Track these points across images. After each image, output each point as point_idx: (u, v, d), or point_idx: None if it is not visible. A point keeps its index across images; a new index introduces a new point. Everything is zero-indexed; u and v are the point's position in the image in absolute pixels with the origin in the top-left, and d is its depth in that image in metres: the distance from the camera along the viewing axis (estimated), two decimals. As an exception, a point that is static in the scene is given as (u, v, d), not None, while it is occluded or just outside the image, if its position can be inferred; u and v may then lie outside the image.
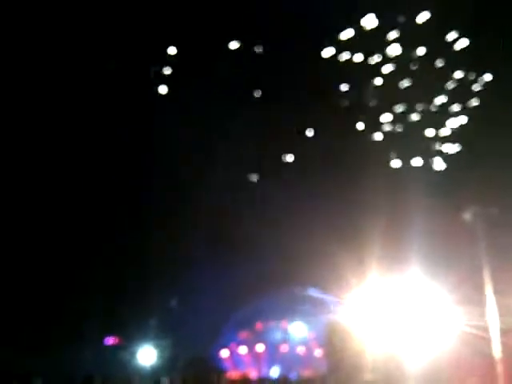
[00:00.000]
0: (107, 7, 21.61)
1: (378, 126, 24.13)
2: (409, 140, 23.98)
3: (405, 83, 23.43)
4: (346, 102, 24.06)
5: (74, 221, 23.53)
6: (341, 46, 23.41)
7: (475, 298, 19.87)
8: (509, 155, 20.72)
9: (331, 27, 22.88)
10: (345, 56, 23.55)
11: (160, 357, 24.88)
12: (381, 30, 23.07)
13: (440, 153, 23.62)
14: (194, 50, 23.32)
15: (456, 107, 23.47)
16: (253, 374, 25.45)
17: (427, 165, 23.58)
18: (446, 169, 23.48)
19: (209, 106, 22.92)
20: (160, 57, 23.69)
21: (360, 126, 24.16)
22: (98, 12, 21.66)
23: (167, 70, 23.88)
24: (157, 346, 24.98)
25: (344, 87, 24.06)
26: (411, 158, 23.83)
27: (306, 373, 24.64)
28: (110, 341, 25.14)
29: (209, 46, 23.13)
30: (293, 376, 24.87)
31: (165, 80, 23.82)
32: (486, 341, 19.27)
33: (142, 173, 23.83)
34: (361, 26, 23.06)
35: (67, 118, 22.76)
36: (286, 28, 22.12)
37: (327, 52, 23.52)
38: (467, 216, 20.96)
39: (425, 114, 23.59)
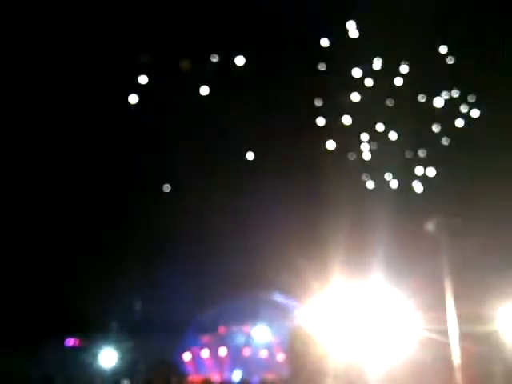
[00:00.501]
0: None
1: (353, 145, 24.19)
2: (385, 160, 24.02)
3: (386, 100, 23.49)
4: (319, 118, 24.00)
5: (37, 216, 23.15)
6: (317, 56, 23.39)
7: (436, 304, 20.34)
8: (473, 165, 21.28)
9: (308, 35, 22.90)
10: (321, 67, 23.51)
11: (121, 359, 24.67)
12: (362, 41, 23.13)
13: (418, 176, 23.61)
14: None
15: (437, 128, 23.70)
16: (215, 378, 25.39)
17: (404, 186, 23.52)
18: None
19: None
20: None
21: (331, 144, 24.10)
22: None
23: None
24: (118, 348, 24.76)
25: (318, 102, 24.07)
26: (384, 179, 23.87)
27: (269, 377, 24.68)
28: (71, 342, 24.82)
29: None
30: (255, 380, 24.93)
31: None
32: (446, 346, 19.74)
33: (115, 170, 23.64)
34: (340, 35, 23.07)
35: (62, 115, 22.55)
36: (259, 35, 22.22)
37: (302, 61, 23.54)
38: (430, 226, 21.49)
39: (404, 133, 23.62)
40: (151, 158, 23.33)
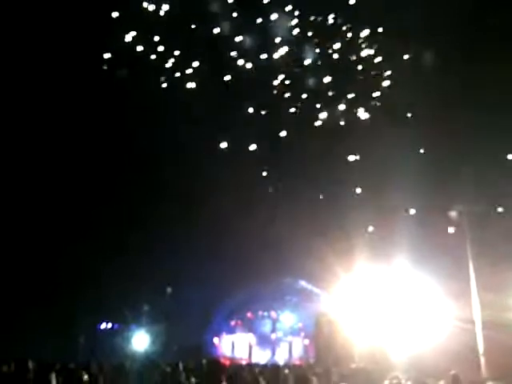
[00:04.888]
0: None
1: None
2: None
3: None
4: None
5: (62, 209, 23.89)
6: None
7: (461, 292, 20.58)
8: (492, 154, 21.31)
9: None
10: None
11: (153, 342, 25.34)
12: None
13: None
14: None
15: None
16: (243, 361, 25.96)
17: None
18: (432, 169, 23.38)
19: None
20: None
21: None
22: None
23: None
24: (150, 332, 25.41)
25: None
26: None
27: (295, 361, 25.22)
28: (104, 326, 25.55)
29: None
30: (281, 364, 25.42)
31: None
32: (471, 333, 20.00)
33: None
34: None
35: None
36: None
37: None
38: (453, 214, 21.76)
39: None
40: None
